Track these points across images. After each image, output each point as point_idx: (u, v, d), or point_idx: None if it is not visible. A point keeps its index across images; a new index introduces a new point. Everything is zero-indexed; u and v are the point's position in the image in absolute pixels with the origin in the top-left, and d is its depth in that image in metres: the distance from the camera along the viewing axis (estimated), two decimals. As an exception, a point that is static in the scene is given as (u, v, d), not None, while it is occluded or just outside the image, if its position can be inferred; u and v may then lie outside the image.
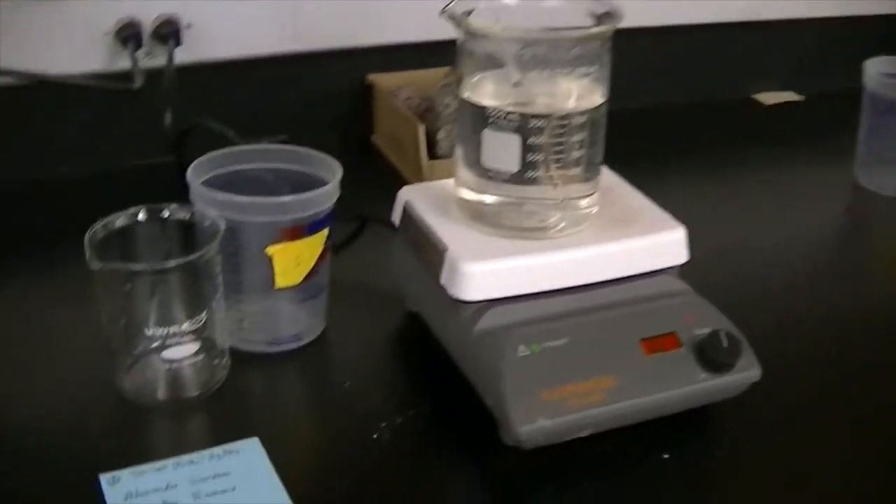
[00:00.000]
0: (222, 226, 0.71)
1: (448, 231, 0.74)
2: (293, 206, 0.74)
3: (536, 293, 0.72)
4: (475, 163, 0.73)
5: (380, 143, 1.16)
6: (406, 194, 0.80)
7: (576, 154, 0.72)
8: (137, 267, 0.69)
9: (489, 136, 0.72)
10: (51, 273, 0.88)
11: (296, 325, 0.79)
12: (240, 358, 0.76)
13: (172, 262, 0.69)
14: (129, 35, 1.04)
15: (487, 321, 0.71)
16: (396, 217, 0.80)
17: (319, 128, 1.07)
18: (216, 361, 0.74)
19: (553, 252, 0.72)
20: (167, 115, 1.02)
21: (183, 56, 1.07)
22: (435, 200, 0.78)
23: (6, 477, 0.66)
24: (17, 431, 0.70)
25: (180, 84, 1.05)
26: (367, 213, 0.93)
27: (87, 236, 0.68)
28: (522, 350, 0.69)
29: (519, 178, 0.72)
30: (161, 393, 0.72)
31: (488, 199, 0.74)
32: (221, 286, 0.72)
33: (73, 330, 0.79)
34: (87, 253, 0.67)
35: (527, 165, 0.71)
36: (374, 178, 1.07)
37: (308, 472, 0.69)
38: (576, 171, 0.73)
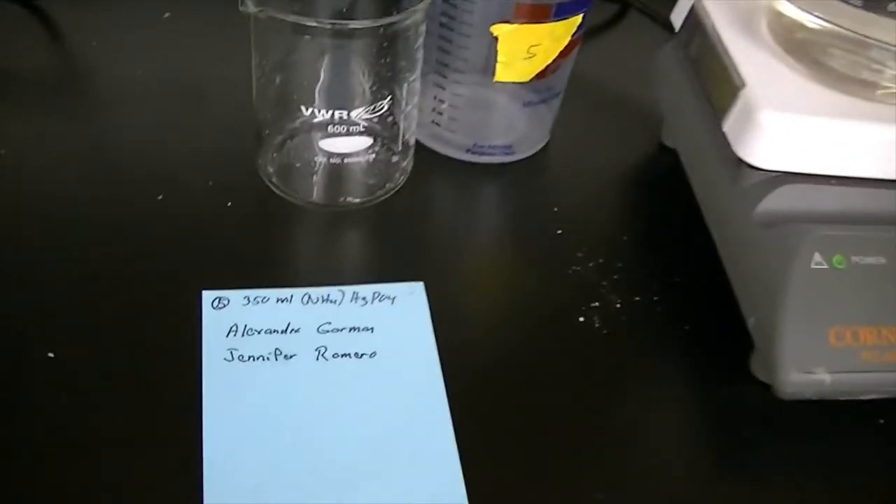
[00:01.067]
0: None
1: (749, 59, 0.51)
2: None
3: (855, 180, 0.49)
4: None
5: None
6: (699, -14, 0.57)
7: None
8: (309, 22, 0.48)
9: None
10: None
11: (510, 134, 0.59)
12: (427, 162, 0.58)
13: (359, 23, 0.49)
14: None
15: (777, 202, 0.49)
16: (677, 18, 0.58)
17: None
18: (394, 161, 0.55)
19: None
20: None
21: None
22: (737, 9, 0.55)
23: (103, 260, 0.51)
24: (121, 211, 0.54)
25: None
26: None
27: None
28: (818, 260, 0.47)
29: (876, 5, 0.49)
30: (313, 192, 0.54)
31: (815, 23, 0.50)
32: (420, 64, 0.53)
33: (219, 79, 0.61)
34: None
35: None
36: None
37: (476, 344, 0.50)
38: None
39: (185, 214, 0.54)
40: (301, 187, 0.54)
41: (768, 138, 0.48)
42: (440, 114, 0.57)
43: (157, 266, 0.51)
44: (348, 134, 0.51)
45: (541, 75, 0.55)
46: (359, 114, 0.51)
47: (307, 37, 0.49)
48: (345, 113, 0.51)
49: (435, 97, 0.57)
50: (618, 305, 0.51)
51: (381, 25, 0.49)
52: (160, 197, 0.54)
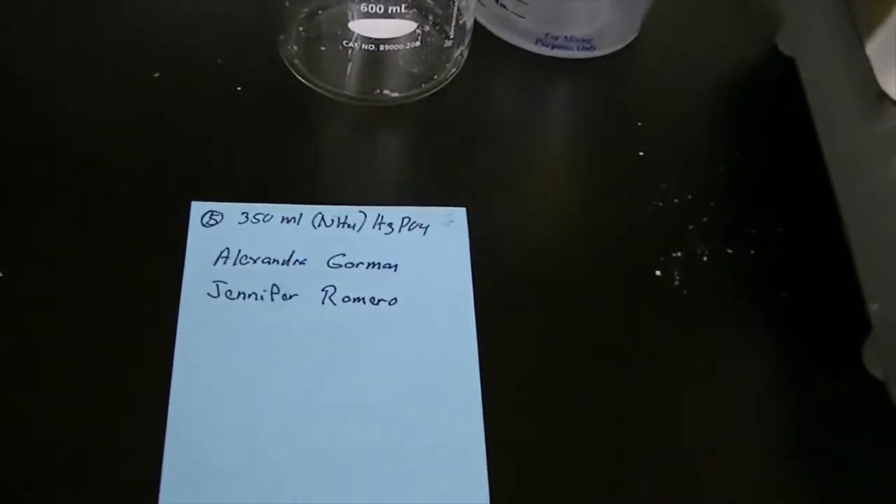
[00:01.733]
0: None
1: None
2: None
3: None
4: None
5: None
6: None
7: None
8: None
9: None
10: None
11: (591, 23, 0.47)
12: (487, 52, 0.47)
13: None
14: None
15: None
16: None
17: None
18: (446, 48, 0.44)
19: None
20: None
21: None
22: None
23: (76, 154, 0.42)
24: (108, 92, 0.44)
25: None
26: None
27: None
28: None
29: None
30: (342, 81, 0.44)
31: None
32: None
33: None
34: None
35: None
36: None
37: (522, 296, 0.40)
38: None
39: (182, 99, 0.44)
40: (328, 73, 0.44)
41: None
42: (505, -4, 0.46)
43: (143, 164, 0.41)
44: (387, 15, 0.41)
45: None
46: (402, -10, 0.40)
47: None
48: (384, -12, 0.40)
49: (501, -26, 0.45)
50: (704, 259, 0.41)
51: None
52: (156, 75, 0.44)
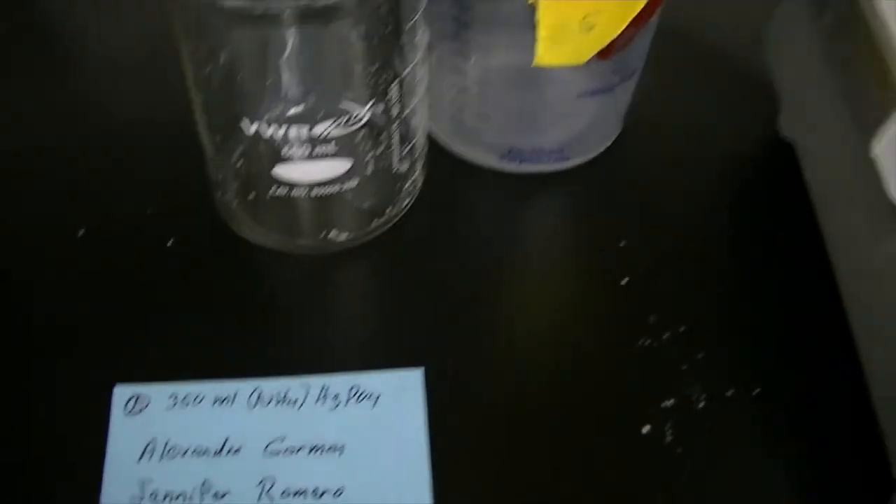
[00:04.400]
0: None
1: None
2: None
3: None
4: None
5: None
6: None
7: None
8: (236, 5, 0.32)
9: None
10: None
11: (562, 133, 0.42)
12: (446, 174, 0.42)
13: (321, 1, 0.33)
14: None
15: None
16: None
17: None
18: (396, 175, 0.39)
19: None
20: None
21: None
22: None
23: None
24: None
25: None
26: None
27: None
28: None
29: None
30: (288, 230, 0.39)
31: None
32: (421, 55, 0.36)
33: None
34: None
35: None
36: None
37: (489, 474, 0.34)
38: None
39: (109, 256, 0.40)
40: (268, 222, 0.39)
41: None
42: (461, 107, 0.41)
43: (58, 340, 0.37)
44: (315, 157, 0.36)
45: (604, 53, 0.38)
46: (325, 128, 0.35)
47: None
48: (304, 129, 0.35)
49: (453, 84, 0.40)
50: (701, 405, 0.35)
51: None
52: (81, 232, 0.40)
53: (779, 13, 0.41)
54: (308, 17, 0.33)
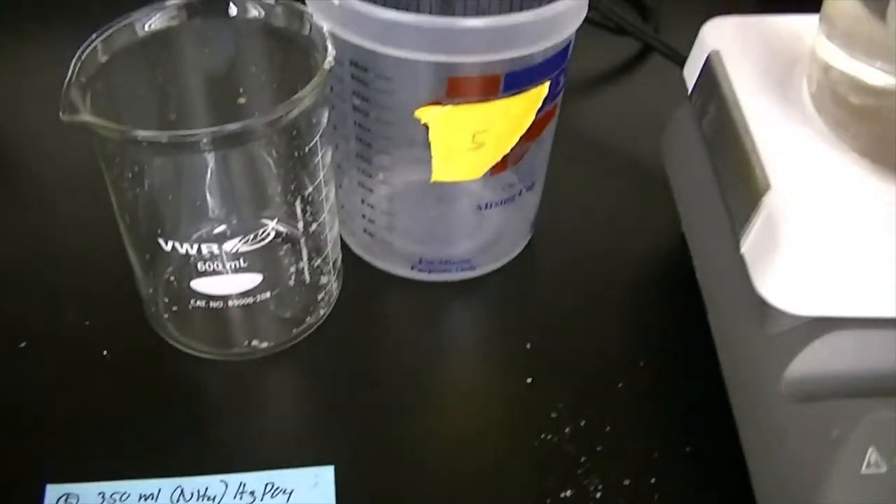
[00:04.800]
0: (331, 57, 0.37)
1: (779, 142, 0.36)
2: (482, 35, 0.37)
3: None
4: None
5: None
6: (714, 35, 0.41)
7: None
8: (148, 136, 0.34)
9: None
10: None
11: (470, 243, 0.44)
12: (363, 283, 0.44)
13: (229, 127, 0.35)
14: None
15: (813, 361, 0.34)
16: (690, 74, 0.43)
17: None
18: (314, 286, 0.42)
19: None
20: None
21: None
22: (767, 59, 0.40)
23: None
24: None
25: None
26: (657, 36, 0.55)
27: (74, 63, 0.36)
28: (874, 460, 0.32)
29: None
30: (203, 338, 0.41)
31: (880, 79, 0.35)
32: (325, 174, 0.39)
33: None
34: (64, 94, 0.35)
35: None
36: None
37: None
38: None
39: (46, 366, 0.42)
40: (194, 332, 0.42)
41: (800, 274, 0.33)
42: (372, 221, 0.44)
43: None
44: (225, 271, 0.39)
45: (498, 168, 0.41)
46: (234, 245, 0.38)
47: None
48: (214, 246, 0.38)
49: (363, 200, 0.43)
50: (598, 494, 0.37)
51: (264, 123, 0.35)
52: (22, 345, 0.43)
53: (671, 121, 0.44)
54: (220, 142, 0.35)
